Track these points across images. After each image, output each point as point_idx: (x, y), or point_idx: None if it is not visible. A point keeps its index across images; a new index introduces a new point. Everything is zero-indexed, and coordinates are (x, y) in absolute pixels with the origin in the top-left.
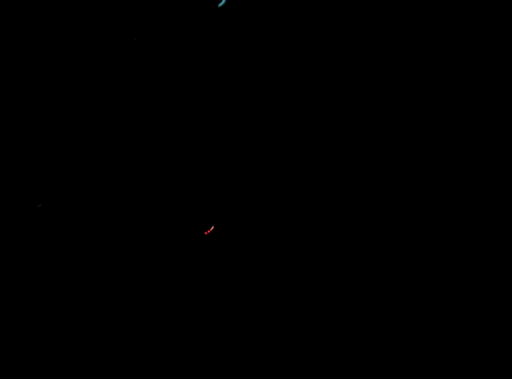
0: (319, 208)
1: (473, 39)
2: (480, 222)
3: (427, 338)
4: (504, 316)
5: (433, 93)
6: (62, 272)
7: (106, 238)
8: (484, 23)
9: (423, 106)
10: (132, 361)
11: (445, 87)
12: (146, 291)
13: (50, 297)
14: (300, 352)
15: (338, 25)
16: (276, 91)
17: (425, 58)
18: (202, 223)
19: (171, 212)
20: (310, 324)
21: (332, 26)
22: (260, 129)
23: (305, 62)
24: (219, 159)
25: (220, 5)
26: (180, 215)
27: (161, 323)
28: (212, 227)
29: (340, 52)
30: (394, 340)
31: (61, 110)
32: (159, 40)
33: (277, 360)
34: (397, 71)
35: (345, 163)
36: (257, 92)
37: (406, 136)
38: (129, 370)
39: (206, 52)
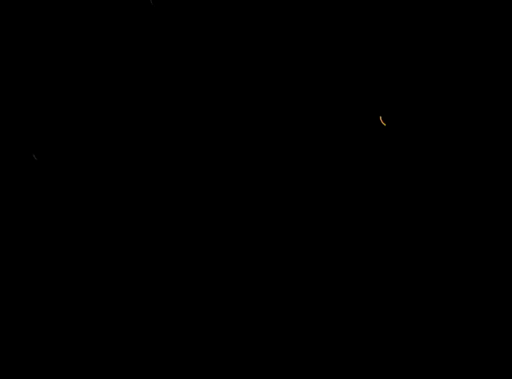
0: (319, 207)
1: (473, 39)
2: (479, 222)
3: (427, 338)
4: (504, 316)
5: (433, 93)
6: (62, 272)
7: (106, 237)
8: (484, 23)
9: (422, 107)
10: (132, 361)
11: (445, 87)
12: (146, 291)
13: (50, 297)
14: (300, 352)
15: (338, 25)
16: (276, 91)
17: (425, 58)
18: (202, 222)
19: (171, 211)
20: (310, 324)
21: (332, 26)
22: (260, 129)
23: (305, 62)
24: (219, 158)
25: None
26: (180, 215)
27: (161, 323)
28: None
29: (340, 52)
30: (394, 340)
31: (61, 110)
32: (159, 39)
33: (277, 360)
34: (396, 71)
35: (345, 163)
36: (258, 92)
37: (406, 137)
38: (129, 370)
39: (206, 51)
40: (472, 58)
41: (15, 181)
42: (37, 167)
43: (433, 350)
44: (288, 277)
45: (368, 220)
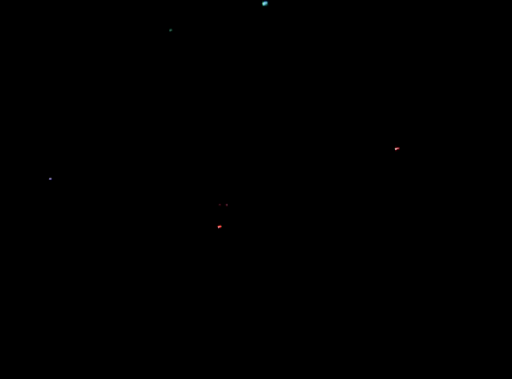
0: (320, 207)
1: (473, 39)
2: (479, 222)
3: (427, 338)
4: (504, 316)
5: (433, 94)
6: (63, 272)
7: (107, 238)
8: (484, 23)
9: (422, 107)
10: (132, 361)
11: (445, 87)
12: (147, 291)
13: (50, 296)
14: (300, 352)
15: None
16: (278, 91)
17: (425, 58)
18: (202, 223)
19: (171, 212)
20: (310, 323)
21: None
22: (263, 129)
23: (306, 62)
24: (220, 159)
25: (264, 4)
26: (180, 216)
27: (161, 322)
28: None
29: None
30: (394, 340)
31: (62, 111)
32: (164, 39)
33: (277, 360)
34: (396, 72)
35: (345, 162)
36: (261, 92)
37: (406, 137)
38: (129, 370)
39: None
40: (472, 59)
41: (15, 182)
42: (37, 168)
43: (433, 350)
44: (288, 277)
45: (368, 221)
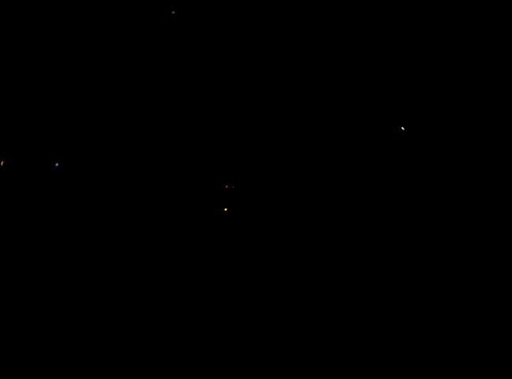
0: (319, 207)
1: (473, 40)
2: (479, 222)
3: (427, 338)
4: (504, 316)
5: (433, 94)
6: (62, 272)
7: (106, 237)
8: (484, 23)
9: (422, 107)
10: (132, 361)
11: (445, 87)
12: (146, 290)
13: (50, 296)
14: (300, 352)
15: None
16: (276, 92)
17: (425, 58)
18: (201, 223)
19: (171, 211)
20: (310, 323)
21: (332, 26)
22: (261, 129)
23: (305, 63)
24: (219, 158)
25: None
26: (180, 215)
27: (161, 322)
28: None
29: (339, 53)
30: (394, 340)
31: (61, 110)
32: (159, 40)
33: (277, 360)
34: (396, 72)
35: (345, 162)
36: (259, 93)
37: (406, 137)
38: (129, 370)
39: (206, 52)
40: (472, 59)
41: (16, 181)
42: (38, 168)
43: (433, 350)
44: (288, 278)
45: (368, 221)
